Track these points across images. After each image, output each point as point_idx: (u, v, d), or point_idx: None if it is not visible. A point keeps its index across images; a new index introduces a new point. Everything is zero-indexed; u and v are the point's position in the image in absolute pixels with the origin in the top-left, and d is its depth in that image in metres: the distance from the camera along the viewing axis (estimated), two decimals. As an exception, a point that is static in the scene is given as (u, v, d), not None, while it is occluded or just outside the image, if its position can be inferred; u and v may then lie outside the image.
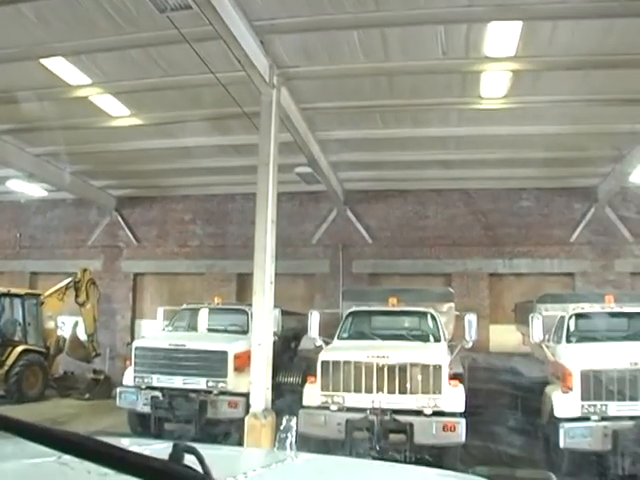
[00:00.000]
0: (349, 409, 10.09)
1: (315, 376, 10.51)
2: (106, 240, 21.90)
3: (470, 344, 11.28)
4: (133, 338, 18.59)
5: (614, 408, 9.48)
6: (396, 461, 8.70)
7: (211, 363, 12.15)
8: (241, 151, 15.88)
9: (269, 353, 10.93)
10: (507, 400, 14.97)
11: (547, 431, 10.73)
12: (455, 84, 12.45)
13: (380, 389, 10.04)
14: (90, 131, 15.32)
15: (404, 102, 13.23)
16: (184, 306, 15.06)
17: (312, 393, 10.46)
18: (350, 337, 12.04)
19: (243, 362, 11.90)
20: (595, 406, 9.54)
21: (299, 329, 14.51)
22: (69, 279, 18.67)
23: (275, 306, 11.40)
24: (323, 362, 10.46)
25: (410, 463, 8.99)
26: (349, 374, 10.20)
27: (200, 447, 1.31)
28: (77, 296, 18.57)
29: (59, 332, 18.79)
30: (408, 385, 10.01)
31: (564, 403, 9.82)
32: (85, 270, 19.00)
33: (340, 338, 12.04)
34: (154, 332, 15.04)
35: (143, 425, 12.33)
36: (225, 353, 12.18)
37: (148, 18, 9.72)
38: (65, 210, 22.27)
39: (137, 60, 11.67)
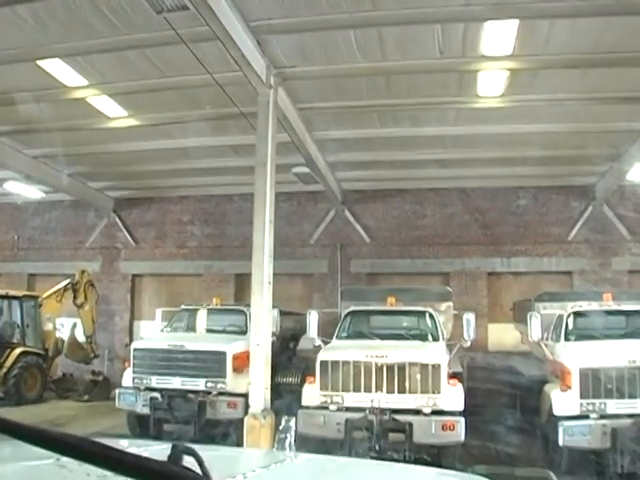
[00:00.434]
0: (348, 409, 10.09)
1: (314, 376, 10.51)
2: (104, 241, 21.88)
3: (469, 343, 11.30)
4: (132, 339, 18.56)
5: (613, 406, 9.50)
6: (395, 461, 8.69)
7: (210, 364, 12.15)
8: (239, 151, 15.88)
9: (268, 353, 10.93)
10: (506, 399, 14.99)
11: (546, 429, 10.75)
12: (452, 83, 12.46)
13: (379, 389, 10.04)
14: (87, 132, 15.31)
15: (401, 101, 13.23)
16: (182, 307, 15.05)
17: (311, 393, 10.45)
18: (349, 337, 12.04)
19: (242, 362, 11.90)
20: (594, 404, 9.55)
21: (297, 329, 14.52)
22: (67, 281, 18.62)
23: (273, 306, 11.39)
24: (322, 362, 10.46)
25: (409, 462, 8.99)
26: (348, 374, 10.20)
27: (199, 448, 1.30)
28: (75, 298, 18.53)
29: (57, 334, 18.76)
30: (407, 384, 10.01)
31: (563, 401, 9.84)
32: (83, 272, 18.96)
33: (339, 338, 12.04)
34: (153, 333, 15.05)
35: (142, 426, 12.33)
36: (224, 354, 12.18)
37: (145, 19, 9.71)
38: (63, 212, 22.24)
39: (134, 61, 11.66)
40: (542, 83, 12.05)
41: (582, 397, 9.60)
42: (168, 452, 1.22)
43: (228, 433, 11.67)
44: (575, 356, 10.16)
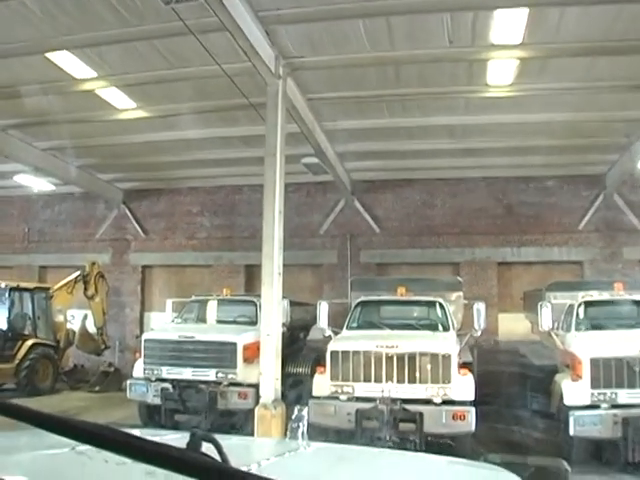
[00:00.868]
0: (359, 399, 10.11)
1: (324, 366, 10.52)
2: (114, 233, 21.95)
3: (479, 333, 11.31)
4: (142, 330, 18.64)
5: (624, 396, 9.47)
6: (406, 450, 8.70)
7: (220, 354, 12.18)
8: (248, 142, 15.88)
9: (278, 344, 10.97)
10: (516, 388, 14.99)
11: (556, 419, 10.73)
12: (462, 72, 12.41)
13: (389, 378, 10.04)
14: (96, 124, 15.35)
15: (410, 91, 13.19)
16: (192, 298, 15.09)
17: (322, 383, 10.47)
18: (359, 327, 12.03)
19: (252, 353, 11.93)
20: (605, 394, 9.52)
21: (307, 319, 14.53)
22: (78, 272, 18.73)
23: (283, 297, 11.41)
24: (332, 352, 10.47)
25: (420, 452, 9.01)
26: (358, 364, 10.20)
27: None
28: (86, 289, 18.64)
29: (69, 325, 18.90)
30: (417, 374, 10.00)
31: (574, 391, 9.81)
32: (93, 263, 19.06)
33: (349, 328, 12.03)
34: (163, 324, 15.08)
35: (153, 417, 12.41)
36: (234, 344, 12.20)
37: (153, 10, 9.71)
38: (73, 204, 22.32)
39: (142, 52, 11.67)
40: (552, 72, 11.99)
41: (593, 387, 9.57)
42: (186, 440, 1.22)
43: (239, 423, 11.72)
44: (586, 346, 10.12)
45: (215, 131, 15.66)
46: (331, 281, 19.50)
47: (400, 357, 10.07)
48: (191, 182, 20.94)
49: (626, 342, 9.88)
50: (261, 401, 10.65)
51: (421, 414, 9.73)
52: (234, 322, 13.52)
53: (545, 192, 19.00)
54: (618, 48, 10.80)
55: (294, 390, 12.40)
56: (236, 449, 1.34)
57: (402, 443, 9.59)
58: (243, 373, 12.04)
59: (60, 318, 18.63)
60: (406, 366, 10.04)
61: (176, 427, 11.43)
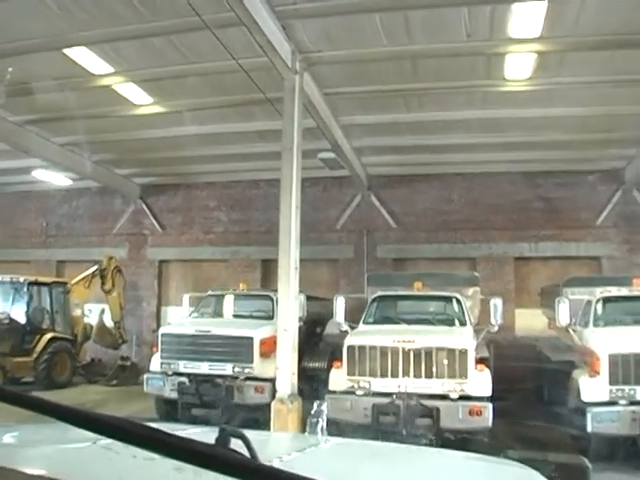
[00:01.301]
0: (375, 394, 10.08)
1: (341, 361, 10.51)
2: (131, 228, 22.07)
3: (496, 328, 11.25)
4: (159, 325, 18.73)
5: (643, 392, 9.40)
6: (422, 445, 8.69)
7: (237, 349, 12.20)
8: (264, 137, 15.89)
9: (295, 338, 10.99)
10: (533, 384, 14.94)
11: (574, 416, 10.66)
12: (479, 66, 12.34)
13: (406, 374, 10.02)
14: (113, 120, 15.41)
15: (428, 85, 13.14)
16: (209, 292, 15.13)
17: (338, 378, 10.46)
18: (376, 322, 12.01)
19: (269, 348, 11.95)
20: (623, 390, 9.44)
21: (324, 314, 14.51)
22: (95, 267, 18.83)
23: (300, 292, 11.42)
24: (349, 347, 10.46)
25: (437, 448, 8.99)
26: (375, 359, 10.18)
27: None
28: (103, 284, 18.73)
29: (86, 320, 19.02)
30: (434, 369, 9.97)
31: (592, 387, 9.73)
32: (111, 258, 19.14)
33: (366, 323, 12.01)
34: (180, 319, 15.13)
35: (170, 411, 12.44)
36: (251, 339, 12.22)
37: (169, 5, 9.77)
38: (90, 199, 22.45)
39: (159, 48, 11.70)
40: (571, 65, 11.88)
41: (611, 383, 9.50)
42: (214, 436, 1.22)
43: (255, 418, 11.75)
44: (604, 342, 10.04)
45: (232, 126, 15.70)
46: (347, 276, 19.49)
47: (417, 352, 10.05)
48: (208, 177, 20.97)
49: (645, 338, 9.80)
50: (277, 395, 10.67)
51: (438, 409, 9.70)
52: (251, 317, 13.56)
53: (563, 187, 18.82)
54: (637, 41, 10.66)
55: (310, 385, 12.43)
56: (255, 444, 1.33)
57: (418, 438, 9.57)
58: (260, 367, 12.05)
59: (78, 312, 18.77)
60: (423, 361, 10.01)
61: (193, 421, 11.49)
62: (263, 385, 11.78)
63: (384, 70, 12.61)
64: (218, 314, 14.02)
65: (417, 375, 10.00)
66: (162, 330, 13.35)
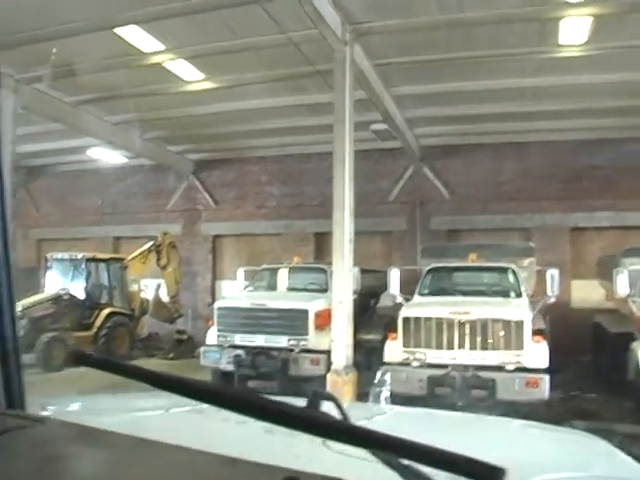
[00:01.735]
0: (430, 365, 10.09)
1: (396, 333, 10.52)
2: (185, 204, 22.35)
3: (553, 299, 11.10)
4: (214, 299, 18.94)
5: None
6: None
7: (292, 322, 12.30)
8: (315, 110, 15.82)
9: (349, 311, 11.03)
10: (591, 356, 14.72)
11: (634, 387, 10.49)
12: (533, 33, 12.02)
13: (462, 345, 10.01)
14: (165, 97, 15.54)
15: (481, 53, 12.85)
16: (264, 266, 15.26)
17: (393, 350, 10.49)
18: (430, 293, 11.97)
19: (323, 320, 12.02)
20: (685, 360, 9.27)
21: (377, 287, 14.51)
22: (150, 243, 19.12)
23: (354, 264, 11.43)
24: (405, 318, 10.47)
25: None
26: (430, 330, 10.18)
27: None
28: (159, 259, 19.02)
29: (142, 294, 19.37)
30: (490, 341, 9.93)
31: (652, 358, 9.58)
32: (165, 234, 19.40)
33: (420, 294, 11.99)
34: (235, 292, 15.30)
35: (226, 383, 12.62)
36: (305, 312, 12.31)
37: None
38: (144, 176, 22.78)
39: (208, 24, 11.70)
40: (629, 28, 11.45)
41: (672, 353, 9.34)
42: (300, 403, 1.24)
43: (311, 389, 11.85)
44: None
45: (282, 100, 15.68)
46: (400, 248, 19.38)
47: (472, 324, 10.01)
48: (260, 151, 21.05)
49: None
50: (333, 367, 10.77)
51: (493, 381, 9.67)
52: (305, 290, 13.64)
53: (619, 155, 18.29)
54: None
55: (365, 357, 12.48)
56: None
57: (474, 410, 9.54)
58: (315, 340, 12.14)
59: (134, 287, 19.11)
60: (478, 333, 9.97)
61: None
62: (318, 357, 11.87)
63: (435, 39, 12.41)
64: (272, 287, 14.16)
65: (472, 347, 9.97)
66: (218, 304, 13.53)
